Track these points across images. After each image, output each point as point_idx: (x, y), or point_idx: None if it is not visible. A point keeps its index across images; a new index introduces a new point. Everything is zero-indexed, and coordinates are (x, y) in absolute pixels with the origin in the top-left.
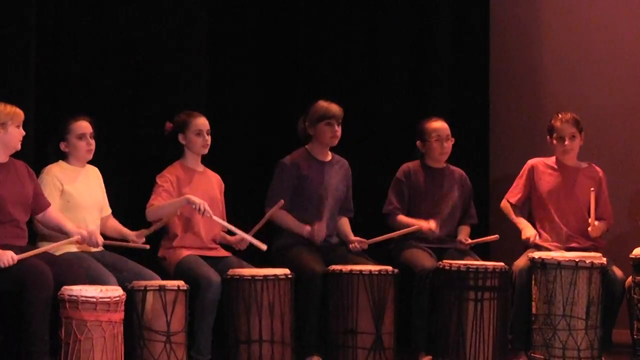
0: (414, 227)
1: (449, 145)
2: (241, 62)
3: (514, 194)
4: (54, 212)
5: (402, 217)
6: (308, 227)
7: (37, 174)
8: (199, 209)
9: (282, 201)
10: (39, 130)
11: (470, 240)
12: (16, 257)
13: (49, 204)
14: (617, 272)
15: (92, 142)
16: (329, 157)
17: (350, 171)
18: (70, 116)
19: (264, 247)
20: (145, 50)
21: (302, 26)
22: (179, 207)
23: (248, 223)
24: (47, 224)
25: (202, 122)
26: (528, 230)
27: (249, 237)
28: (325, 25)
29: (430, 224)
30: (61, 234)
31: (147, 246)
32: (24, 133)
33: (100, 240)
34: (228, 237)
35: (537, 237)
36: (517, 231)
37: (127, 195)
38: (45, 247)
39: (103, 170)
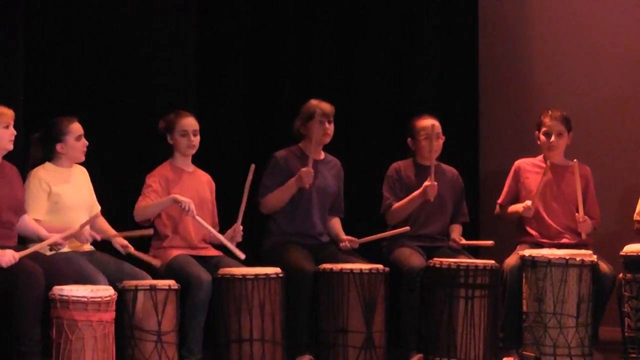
0: (416, 193)
1: (438, 143)
2: (230, 61)
3: (502, 195)
4: (29, 220)
5: (396, 204)
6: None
7: (24, 175)
8: (185, 208)
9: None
10: (29, 131)
11: (464, 241)
12: (17, 255)
13: (25, 211)
14: (606, 267)
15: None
16: (322, 156)
17: (342, 171)
18: (66, 117)
19: (242, 255)
20: (134, 49)
21: (291, 25)
22: (166, 207)
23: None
24: (23, 230)
25: (188, 123)
26: (520, 205)
27: (228, 244)
28: (314, 24)
29: (427, 183)
30: (38, 240)
31: (150, 231)
32: (14, 133)
33: (91, 235)
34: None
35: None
36: (508, 230)
37: (115, 195)
38: (40, 244)
39: (91, 170)
